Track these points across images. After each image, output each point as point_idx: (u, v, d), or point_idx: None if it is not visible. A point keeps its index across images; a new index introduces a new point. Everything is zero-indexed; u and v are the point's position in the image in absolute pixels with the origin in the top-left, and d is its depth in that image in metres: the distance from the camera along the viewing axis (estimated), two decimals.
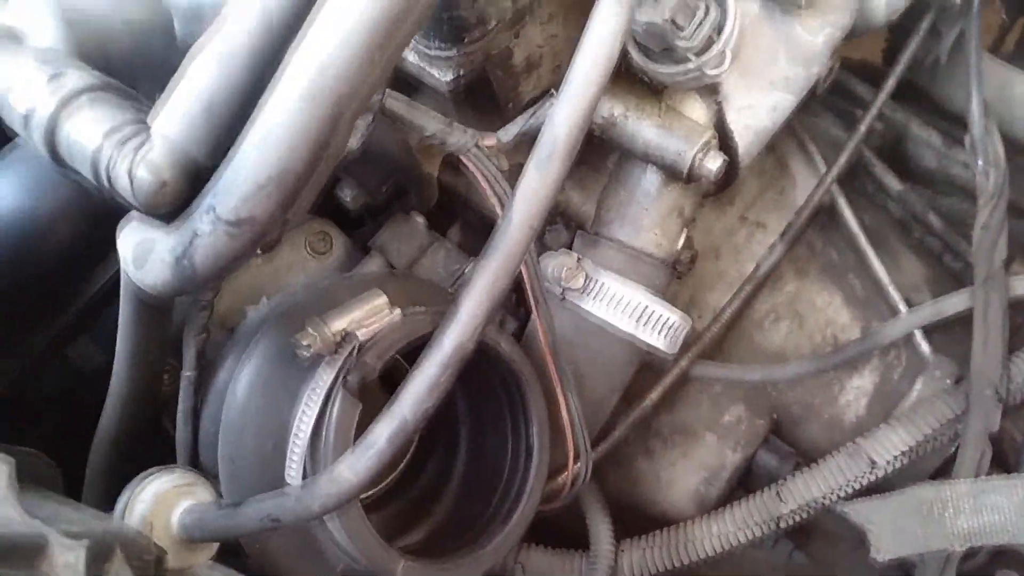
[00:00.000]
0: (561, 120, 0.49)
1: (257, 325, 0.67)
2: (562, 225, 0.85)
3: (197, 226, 0.43)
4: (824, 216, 0.96)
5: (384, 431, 0.48)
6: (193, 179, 0.44)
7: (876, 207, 1.06)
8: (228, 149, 0.44)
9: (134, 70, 0.54)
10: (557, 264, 0.72)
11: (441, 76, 0.61)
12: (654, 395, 0.83)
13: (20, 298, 0.71)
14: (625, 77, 0.69)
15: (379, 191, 0.79)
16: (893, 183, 1.04)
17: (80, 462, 0.69)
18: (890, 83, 0.90)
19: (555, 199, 0.50)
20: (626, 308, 0.71)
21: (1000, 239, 0.91)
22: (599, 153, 0.78)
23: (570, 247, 0.82)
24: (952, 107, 1.03)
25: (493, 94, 0.69)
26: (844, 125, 1.03)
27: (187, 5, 0.53)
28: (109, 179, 0.44)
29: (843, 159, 0.89)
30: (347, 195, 0.78)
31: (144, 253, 0.46)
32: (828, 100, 1.01)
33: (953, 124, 1.03)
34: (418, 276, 0.77)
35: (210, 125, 0.43)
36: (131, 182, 0.43)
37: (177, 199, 0.44)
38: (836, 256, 0.96)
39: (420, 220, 0.86)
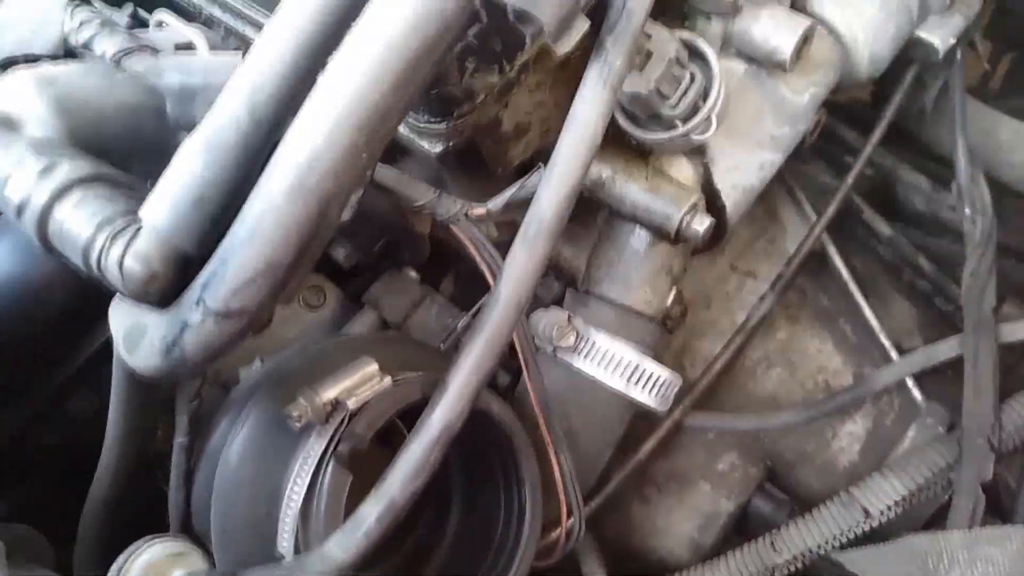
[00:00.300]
0: (546, 200, 0.49)
1: (250, 389, 0.67)
2: (554, 277, 0.86)
3: (187, 316, 0.44)
4: (815, 262, 0.97)
5: (373, 511, 0.48)
6: (183, 269, 0.45)
7: (867, 251, 1.07)
8: (218, 239, 0.44)
9: (128, 151, 0.54)
10: (548, 322, 0.73)
11: (430, 147, 0.62)
12: (648, 446, 0.83)
13: (19, 357, 0.71)
14: (613, 139, 0.70)
15: (371, 249, 0.80)
16: (883, 228, 1.05)
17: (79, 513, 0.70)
18: (877, 133, 0.91)
19: (541, 275, 0.51)
20: (616, 367, 0.72)
21: (988, 286, 0.92)
22: (589, 208, 0.79)
23: (562, 299, 0.83)
24: (940, 151, 1.05)
25: (483, 159, 0.70)
26: (833, 172, 1.04)
27: (178, 87, 0.54)
28: (100, 269, 0.45)
29: (832, 209, 0.90)
30: (340, 254, 0.78)
31: (135, 338, 0.47)
32: (817, 146, 1.02)
33: (942, 166, 1.04)
34: (410, 336, 0.77)
35: (200, 217, 0.44)
36: (121, 273, 0.44)
37: (167, 289, 0.45)
38: (827, 302, 0.97)
39: (413, 274, 0.86)
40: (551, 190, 0.49)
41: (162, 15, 0.64)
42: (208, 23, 0.78)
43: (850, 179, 0.90)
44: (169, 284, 0.45)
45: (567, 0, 0.44)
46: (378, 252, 0.82)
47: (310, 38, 0.43)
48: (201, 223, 0.44)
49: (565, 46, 0.46)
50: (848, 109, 1.09)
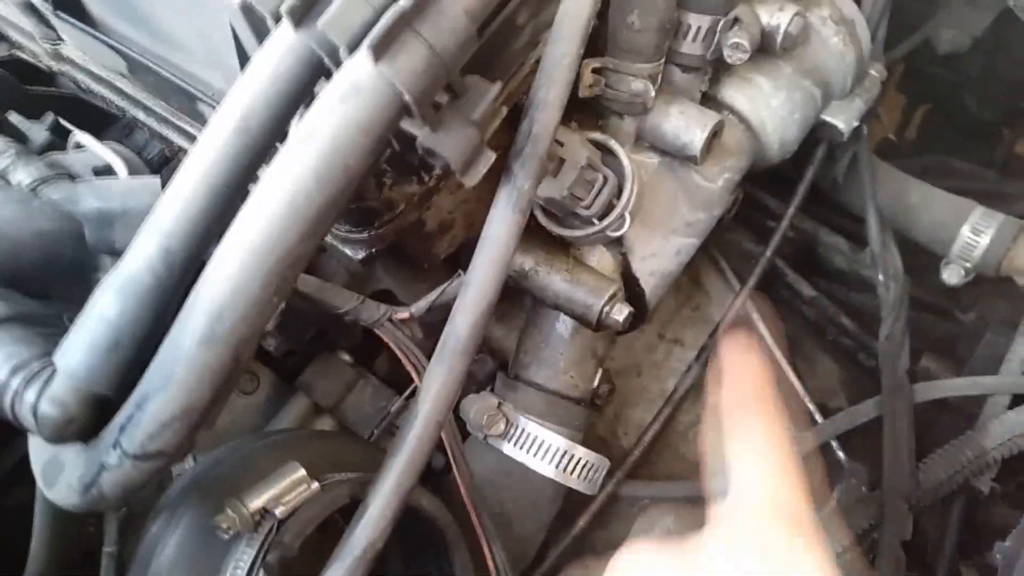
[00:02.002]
0: (461, 319, 0.51)
1: (181, 493, 0.67)
2: (487, 355, 0.88)
3: (104, 459, 0.44)
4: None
5: None
6: (99, 411, 0.45)
7: (791, 312, 1.11)
8: (135, 379, 0.45)
9: (47, 277, 0.55)
10: (478, 410, 0.74)
11: (353, 254, 0.63)
12: (582, 521, 0.85)
13: None
14: (536, 230, 0.72)
15: (302, 338, 0.81)
16: (806, 289, 1.09)
17: None
18: (793, 205, 0.95)
19: (459, 392, 0.52)
20: (546, 453, 0.73)
21: (903, 349, 0.96)
22: (519, 290, 0.81)
23: (495, 374, 0.84)
24: (856, 212, 1.09)
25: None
26: (755, 237, 1.08)
27: (96, 212, 0.54)
28: (15, 414, 0.45)
29: (753, 279, 0.94)
30: (271, 344, 0.79)
31: (53, 473, 0.47)
32: (739, 212, 1.06)
33: (859, 224, 1.08)
34: (345, 418, 0.78)
35: (115, 360, 0.45)
36: (36, 418, 0.44)
37: (83, 431, 0.45)
38: None
39: (345, 357, 0.87)
40: (466, 310, 0.51)
41: (80, 137, 0.64)
42: (132, 126, 0.79)
43: (769, 251, 0.93)
44: (85, 427, 0.45)
45: (472, 138, 0.46)
46: (309, 339, 0.82)
47: (220, 185, 0.44)
48: (116, 366, 0.45)
49: (472, 179, 0.48)
50: (768, 172, 1.13)
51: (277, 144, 0.45)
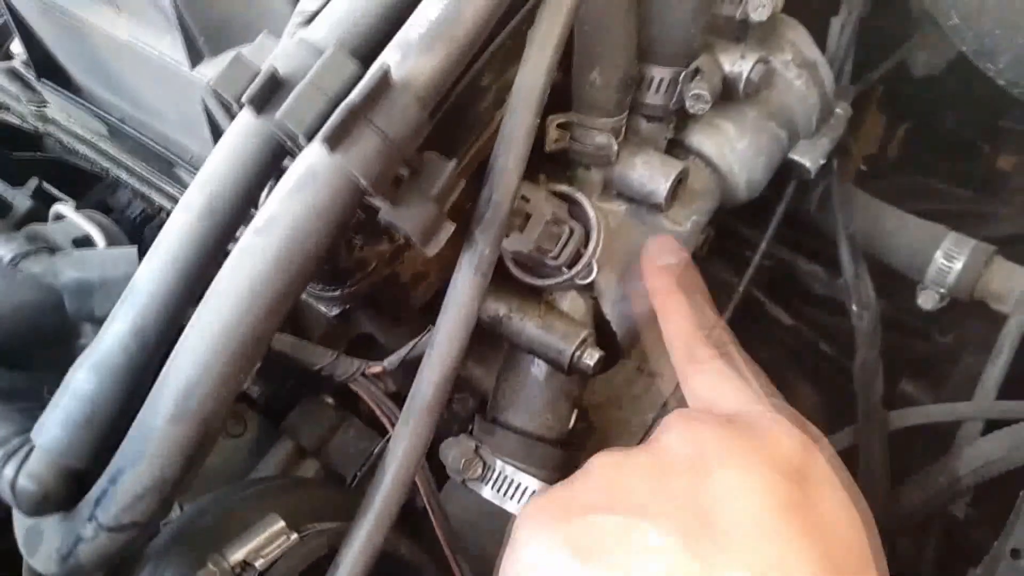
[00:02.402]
0: (426, 382, 0.53)
1: (165, 545, 0.69)
2: (468, 393, 0.90)
3: (81, 531, 0.46)
4: None
5: None
6: (76, 484, 0.47)
7: (770, 341, 1.12)
8: (111, 451, 0.47)
9: (28, 347, 0.57)
10: (456, 454, 0.76)
11: (327, 310, 0.65)
12: None
13: None
14: (508, 278, 0.74)
15: (284, 385, 0.83)
16: (783, 317, 1.11)
17: None
18: (765, 239, 0.97)
19: (426, 449, 0.54)
20: (523, 496, 0.75)
21: (877, 377, 0.98)
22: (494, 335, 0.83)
23: (475, 413, 0.86)
24: (832, 236, 1.11)
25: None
26: (731, 267, 1.10)
27: (75, 283, 0.57)
28: None
29: (729, 312, 0.95)
30: (254, 392, 0.81)
31: (34, 541, 0.49)
32: (715, 243, 1.08)
33: (837, 249, 1.10)
34: (320, 479, 0.80)
35: (91, 435, 0.47)
36: (14, 493, 0.46)
37: (60, 503, 0.47)
38: None
39: (329, 400, 0.89)
40: (430, 371, 0.53)
41: (60, 208, 0.67)
42: (115, 185, 0.81)
43: (742, 285, 0.95)
44: (63, 500, 0.47)
45: (431, 212, 0.48)
46: (293, 384, 0.84)
47: (189, 265, 0.46)
48: (92, 441, 0.47)
49: (433, 250, 0.50)
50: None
51: (243, 225, 0.47)
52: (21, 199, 0.70)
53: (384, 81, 0.42)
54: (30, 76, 0.72)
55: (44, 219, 0.69)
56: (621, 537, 0.45)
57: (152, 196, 0.72)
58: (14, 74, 0.73)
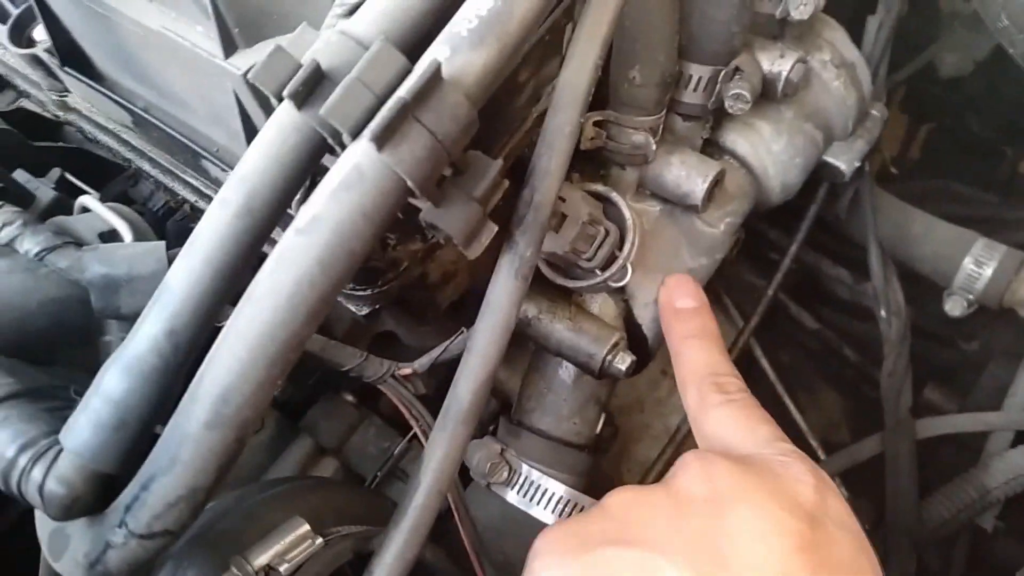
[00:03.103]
0: (463, 387, 0.51)
1: (186, 545, 0.67)
2: (492, 395, 0.88)
3: (110, 537, 0.45)
4: (743, 363, 1.00)
5: None
6: (105, 489, 0.46)
7: (794, 344, 1.11)
8: (141, 455, 0.45)
9: (53, 343, 0.55)
10: (482, 456, 0.75)
11: (357, 310, 0.64)
12: None
13: None
14: (538, 279, 0.73)
15: (307, 383, 0.81)
16: (809, 321, 1.10)
17: None
18: (796, 243, 0.95)
19: (462, 458, 0.52)
20: (548, 501, 0.74)
21: (905, 385, 0.97)
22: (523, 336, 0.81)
23: (498, 414, 0.85)
24: (859, 242, 1.09)
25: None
26: (758, 270, 1.08)
27: (102, 279, 0.55)
28: (21, 492, 0.46)
29: (756, 317, 0.94)
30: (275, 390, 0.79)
31: (59, 545, 0.48)
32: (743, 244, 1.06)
33: (862, 253, 1.09)
34: (343, 480, 0.78)
35: (120, 439, 0.45)
36: (42, 496, 0.45)
37: (89, 508, 0.46)
38: None
39: (349, 398, 0.88)
40: (468, 377, 0.51)
41: (86, 200, 0.65)
42: (137, 176, 0.79)
43: (771, 290, 0.94)
44: (91, 504, 0.46)
45: (474, 214, 0.47)
46: (313, 383, 0.83)
47: (224, 266, 0.45)
48: (121, 445, 0.45)
49: (475, 252, 0.48)
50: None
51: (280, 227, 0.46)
52: (44, 190, 0.68)
53: (435, 78, 0.41)
54: (53, 64, 0.71)
55: (67, 210, 0.67)
56: (636, 572, 0.46)
57: (176, 188, 0.70)
58: (37, 61, 0.71)
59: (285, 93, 0.43)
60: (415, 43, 0.46)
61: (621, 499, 0.52)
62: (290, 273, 0.42)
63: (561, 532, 0.52)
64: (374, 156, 0.41)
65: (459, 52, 0.43)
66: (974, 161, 1.47)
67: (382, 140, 0.40)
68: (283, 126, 0.45)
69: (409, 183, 0.42)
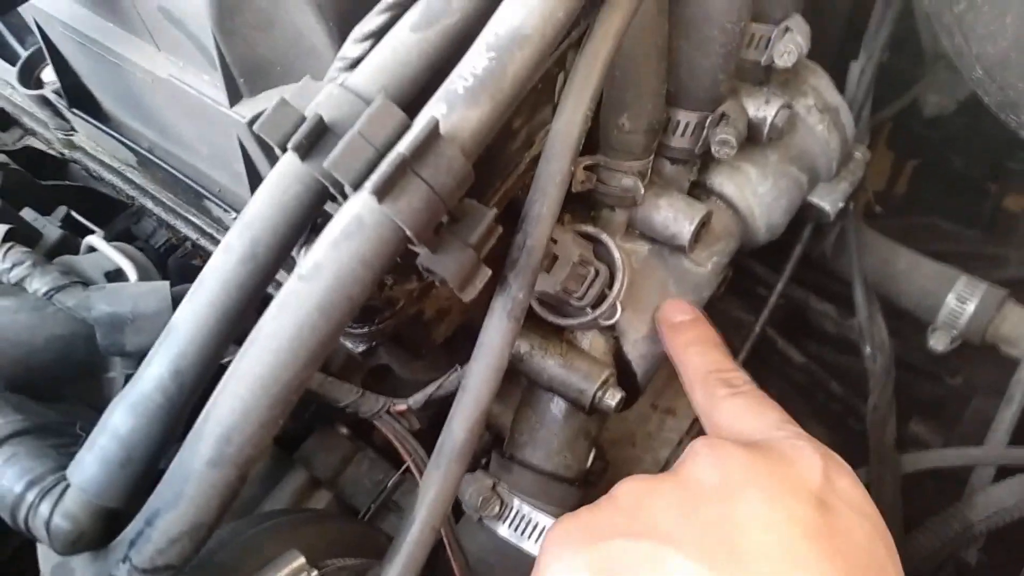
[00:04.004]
0: (457, 425, 0.53)
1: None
2: (484, 429, 0.89)
3: (113, 572, 0.46)
4: None
5: None
6: (110, 524, 0.47)
7: (781, 378, 1.13)
8: (146, 491, 0.47)
9: (59, 379, 0.57)
10: (474, 490, 0.76)
11: (354, 347, 0.65)
12: None
13: None
14: (530, 315, 0.74)
15: (301, 415, 0.83)
16: (795, 355, 1.12)
17: None
18: (782, 280, 0.97)
19: (455, 495, 0.54)
20: (540, 535, 0.75)
21: (890, 419, 0.98)
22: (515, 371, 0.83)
23: (491, 447, 0.86)
24: (846, 277, 1.12)
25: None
26: (746, 305, 1.10)
27: (107, 317, 0.57)
28: (28, 527, 0.47)
29: (744, 352, 0.96)
30: None
31: None
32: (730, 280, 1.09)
33: (849, 288, 1.11)
34: (338, 513, 0.80)
35: (126, 476, 0.47)
36: (48, 531, 0.46)
37: (93, 544, 0.47)
38: None
39: (343, 431, 0.89)
40: (461, 416, 0.53)
41: (93, 240, 0.67)
42: (140, 213, 0.81)
43: (758, 326, 0.96)
44: (96, 540, 0.47)
45: (469, 259, 0.49)
46: (308, 417, 0.84)
47: (228, 309, 0.47)
48: (127, 481, 0.47)
49: (470, 295, 0.50)
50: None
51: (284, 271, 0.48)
52: (51, 228, 0.70)
53: (433, 134, 0.43)
54: (60, 104, 0.73)
55: (74, 248, 0.69)
56: (646, 563, 0.45)
57: (178, 226, 0.72)
58: (45, 101, 0.74)
59: (289, 145, 0.45)
60: (413, 97, 0.49)
61: (630, 489, 0.52)
62: (292, 318, 0.44)
63: (571, 524, 0.52)
64: (374, 207, 0.43)
65: (455, 109, 0.45)
66: (958, 197, 1.50)
67: (382, 193, 0.43)
68: (286, 176, 0.47)
69: (408, 232, 0.44)
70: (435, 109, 0.46)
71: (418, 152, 0.43)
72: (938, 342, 1.03)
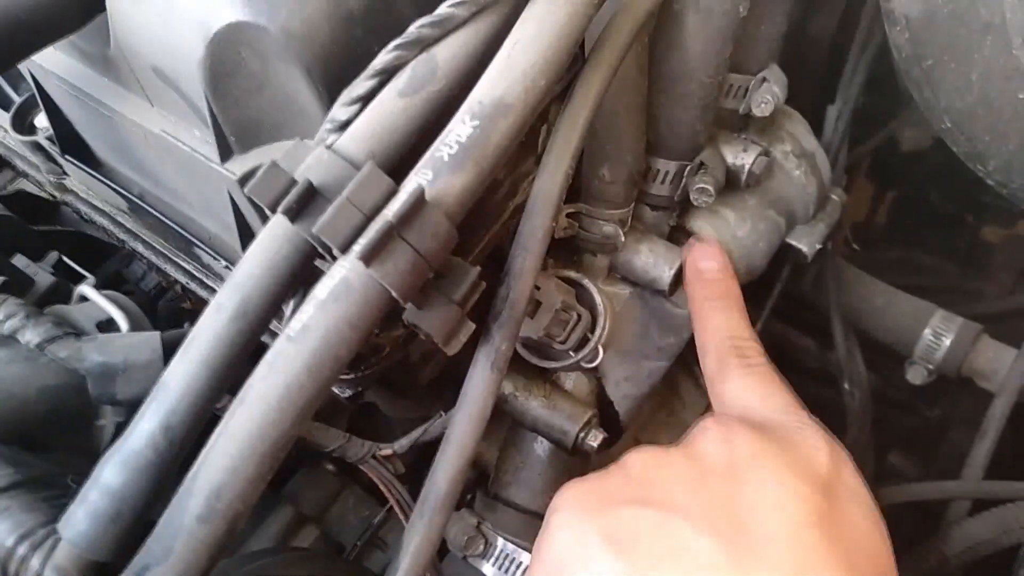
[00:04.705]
0: (441, 475, 0.54)
1: None
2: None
3: None
4: None
5: None
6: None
7: None
8: (135, 543, 0.48)
9: (50, 429, 0.58)
10: (459, 529, 0.77)
11: (340, 393, 0.67)
12: None
13: None
14: (514, 358, 0.76)
15: (288, 455, 0.84)
16: None
17: None
18: (761, 320, 0.99)
19: (439, 544, 0.55)
20: (523, 575, 0.76)
21: (868, 454, 1.00)
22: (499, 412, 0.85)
23: (476, 484, 0.87)
24: (825, 311, 1.14)
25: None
26: None
27: (99, 368, 0.58)
28: None
29: None
30: None
31: None
32: None
33: (828, 322, 1.13)
34: (326, 552, 0.80)
35: (116, 530, 0.48)
36: None
37: None
38: None
39: (330, 467, 0.90)
40: (445, 466, 0.54)
41: (84, 290, 0.68)
42: (131, 256, 0.82)
43: None
44: None
45: (454, 315, 0.50)
46: (295, 452, 0.85)
47: (218, 366, 0.48)
48: (117, 535, 0.48)
49: (454, 349, 0.52)
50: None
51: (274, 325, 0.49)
52: (43, 275, 0.71)
53: (419, 202, 0.45)
54: (53, 150, 0.74)
55: (65, 295, 0.70)
56: (656, 531, 0.46)
57: (168, 270, 0.74)
58: (37, 147, 0.75)
59: (280, 209, 0.47)
60: (399, 160, 0.50)
61: (641, 459, 0.52)
62: (280, 378, 0.45)
63: (581, 489, 0.52)
64: (361, 271, 0.45)
65: (440, 176, 0.47)
66: (937, 228, 1.53)
67: (370, 257, 0.44)
68: (276, 237, 0.49)
69: (394, 294, 0.46)
70: (421, 176, 0.47)
71: (404, 218, 0.44)
72: (915, 376, 1.05)
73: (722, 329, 0.63)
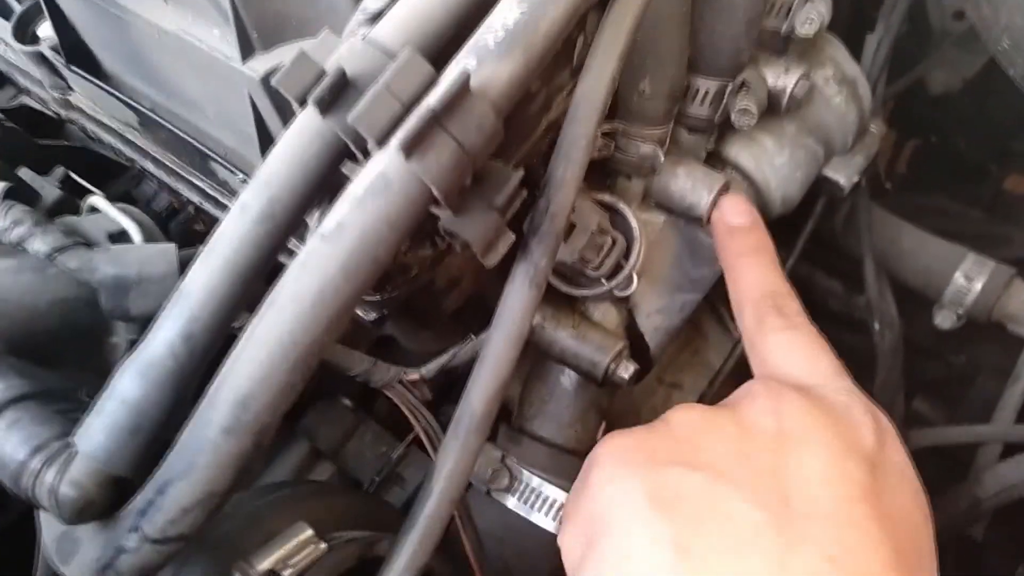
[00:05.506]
0: (476, 396, 0.51)
1: (188, 547, 0.67)
2: None
3: (123, 542, 0.44)
4: (739, 371, 1.01)
5: None
6: (118, 492, 0.45)
7: None
8: (154, 458, 0.45)
9: (60, 343, 0.55)
10: (483, 463, 0.75)
11: (365, 315, 0.63)
12: None
13: None
14: None
15: (307, 387, 0.81)
16: None
17: None
18: (792, 257, 0.96)
19: (473, 468, 0.53)
20: (550, 509, 0.74)
21: (897, 396, 0.98)
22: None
23: (497, 422, 0.85)
24: (852, 255, 1.11)
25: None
26: None
27: (112, 280, 0.54)
28: (34, 495, 0.45)
29: None
30: None
31: (68, 550, 0.47)
32: None
33: (855, 266, 1.10)
34: (344, 486, 0.78)
35: (135, 443, 0.45)
36: (56, 499, 0.44)
37: (101, 512, 0.45)
38: None
39: (346, 403, 0.88)
40: (480, 386, 0.51)
41: (96, 201, 0.64)
42: (141, 176, 0.79)
43: None
44: (104, 508, 0.45)
45: (494, 222, 0.47)
46: (311, 385, 0.82)
47: (243, 270, 0.45)
48: (136, 448, 0.45)
49: (493, 260, 0.48)
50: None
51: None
52: (49, 189, 0.67)
53: (464, 89, 0.41)
54: (57, 62, 0.70)
55: (73, 209, 0.66)
56: (702, 496, 0.45)
57: (180, 189, 0.70)
58: (40, 58, 0.71)
59: (311, 99, 0.43)
60: (438, 52, 0.46)
61: (687, 418, 0.50)
62: (314, 279, 0.42)
63: (625, 443, 0.51)
64: (401, 164, 0.42)
65: (486, 63, 0.43)
66: (959, 177, 1.49)
67: (410, 149, 0.41)
68: (306, 132, 0.45)
69: (435, 192, 0.42)
70: (465, 62, 0.43)
71: (448, 107, 0.41)
72: (944, 320, 1.03)
73: (758, 285, 0.60)
